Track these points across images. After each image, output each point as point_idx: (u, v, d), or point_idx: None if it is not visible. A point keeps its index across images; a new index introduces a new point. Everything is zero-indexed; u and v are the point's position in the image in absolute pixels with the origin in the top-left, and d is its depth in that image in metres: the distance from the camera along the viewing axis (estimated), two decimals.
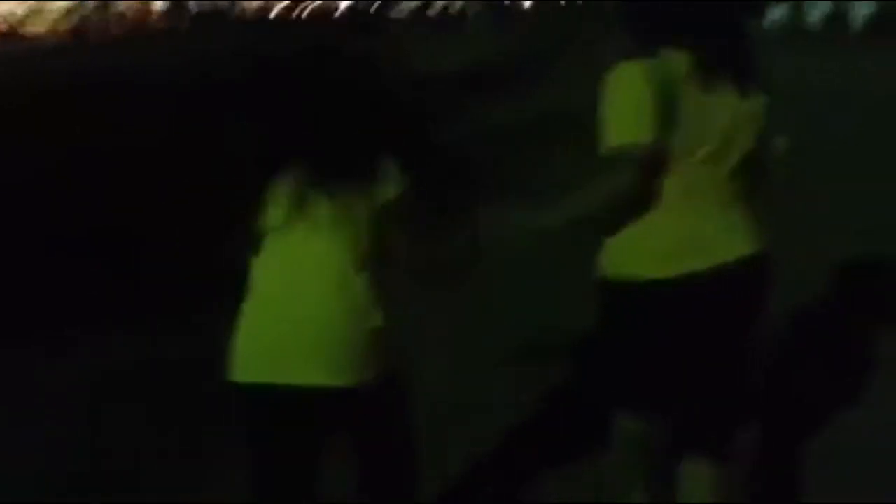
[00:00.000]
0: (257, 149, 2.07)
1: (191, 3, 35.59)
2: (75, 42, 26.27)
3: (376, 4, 28.05)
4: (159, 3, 36.00)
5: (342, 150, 2.00)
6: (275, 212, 1.99)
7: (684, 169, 2.09)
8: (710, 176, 2.13)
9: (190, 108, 8.77)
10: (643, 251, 2.16)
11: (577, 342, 3.15)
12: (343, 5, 27.99)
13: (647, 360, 2.25)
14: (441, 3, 28.82)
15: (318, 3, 31.19)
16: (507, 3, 28.81)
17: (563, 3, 25.44)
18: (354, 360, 2.00)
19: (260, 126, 2.11)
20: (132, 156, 8.29)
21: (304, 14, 30.09)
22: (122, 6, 34.33)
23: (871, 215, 5.05)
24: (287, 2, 32.97)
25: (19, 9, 33.28)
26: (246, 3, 35.92)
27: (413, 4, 27.85)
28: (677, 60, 2.05)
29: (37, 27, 30.38)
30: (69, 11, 29.73)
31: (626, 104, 2.01)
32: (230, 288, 2.17)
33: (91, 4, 32.98)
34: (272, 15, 31.75)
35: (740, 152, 2.12)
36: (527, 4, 28.62)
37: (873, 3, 14.30)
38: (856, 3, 14.56)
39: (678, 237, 2.15)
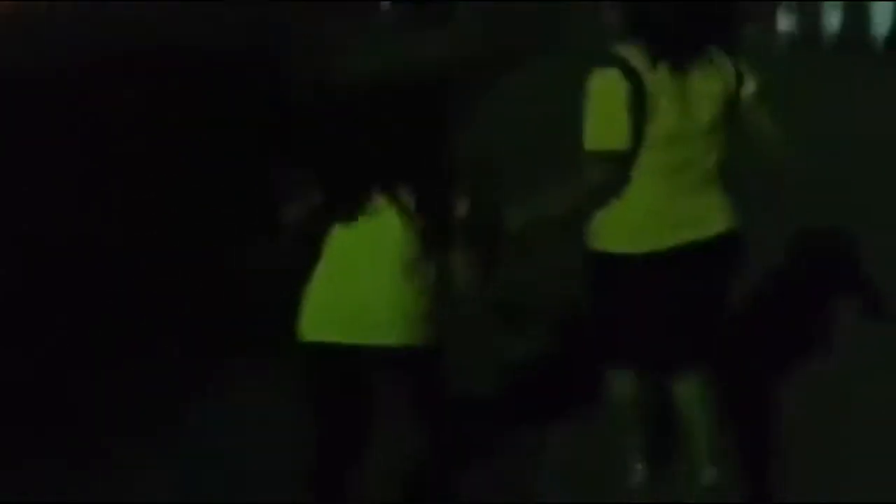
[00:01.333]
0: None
1: None
2: None
3: None
4: None
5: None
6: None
7: (656, 152, 2.42)
8: (682, 156, 2.44)
9: None
10: (620, 228, 2.51)
11: (565, 308, 3.45)
12: None
13: (629, 321, 2.62)
14: None
15: None
16: None
17: None
18: (404, 326, 2.42)
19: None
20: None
21: None
22: None
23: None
24: None
25: None
26: None
27: None
28: (636, 56, 2.38)
29: None
30: None
31: (603, 114, 2.37)
32: None
33: None
34: None
35: (705, 130, 2.44)
36: None
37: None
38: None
39: (651, 216, 2.47)
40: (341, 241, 2.47)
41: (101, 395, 3.66)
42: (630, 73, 2.35)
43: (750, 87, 2.53)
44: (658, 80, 2.38)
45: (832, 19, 13.97)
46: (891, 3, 13.23)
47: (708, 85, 2.44)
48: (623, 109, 2.35)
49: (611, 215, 2.54)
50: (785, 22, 14.93)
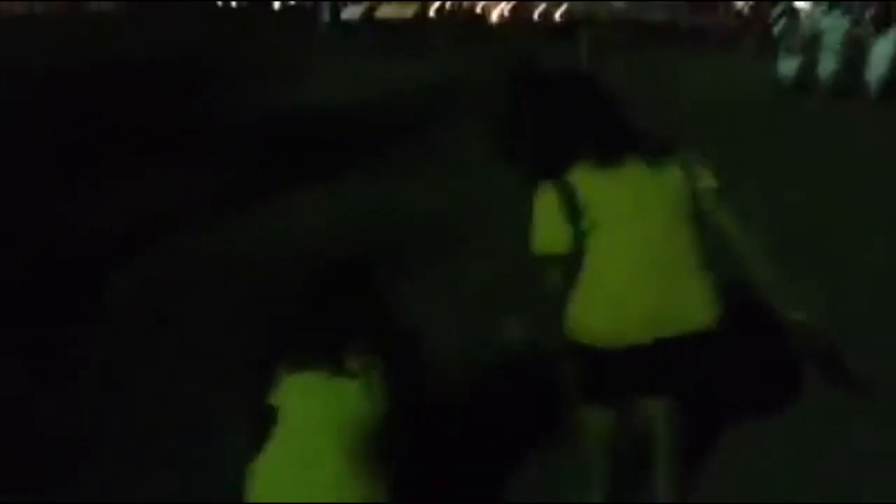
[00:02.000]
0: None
1: None
2: None
3: None
4: None
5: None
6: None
7: (620, 246, 2.46)
8: (648, 248, 2.45)
9: None
10: (600, 321, 2.49)
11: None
12: None
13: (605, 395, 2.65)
14: None
15: None
16: None
17: None
18: None
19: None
20: None
21: None
22: None
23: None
24: None
25: None
26: None
27: None
28: (578, 169, 2.52)
29: None
30: None
31: (541, 223, 2.55)
32: None
33: None
34: None
35: (666, 219, 2.47)
36: None
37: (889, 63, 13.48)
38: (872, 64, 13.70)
39: (628, 307, 2.45)
40: (290, 411, 2.25)
41: (99, 398, 3.74)
42: (562, 184, 2.50)
43: (705, 183, 2.57)
44: (585, 179, 2.50)
45: (828, 65, 14.22)
46: (889, 49, 13.50)
47: (646, 178, 2.51)
48: (556, 218, 2.50)
49: (588, 308, 2.55)
50: (785, 67, 15.23)
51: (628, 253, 2.48)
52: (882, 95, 13.48)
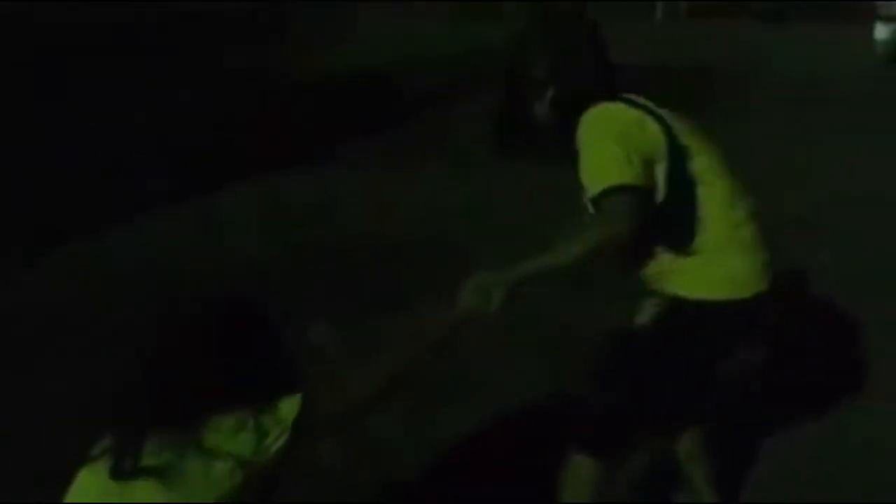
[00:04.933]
0: None
1: None
2: None
3: None
4: None
5: None
6: None
7: (713, 189, 2.16)
8: (733, 196, 2.20)
9: None
10: (718, 271, 2.16)
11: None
12: None
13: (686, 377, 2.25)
14: None
15: None
16: None
17: None
18: None
19: None
20: None
21: None
22: None
23: None
24: None
25: None
26: None
27: None
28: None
29: None
30: None
31: (610, 146, 2.06)
32: None
33: None
34: None
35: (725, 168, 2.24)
36: None
37: None
38: None
39: (742, 255, 2.19)
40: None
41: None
42: (642, 106, 2.21)
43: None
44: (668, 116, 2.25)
45: None
46: None
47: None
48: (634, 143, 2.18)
49: (702, 259, 2.19)
50: (881, 31, 14.36)
51: (731, 193, 2.23)
52: None
